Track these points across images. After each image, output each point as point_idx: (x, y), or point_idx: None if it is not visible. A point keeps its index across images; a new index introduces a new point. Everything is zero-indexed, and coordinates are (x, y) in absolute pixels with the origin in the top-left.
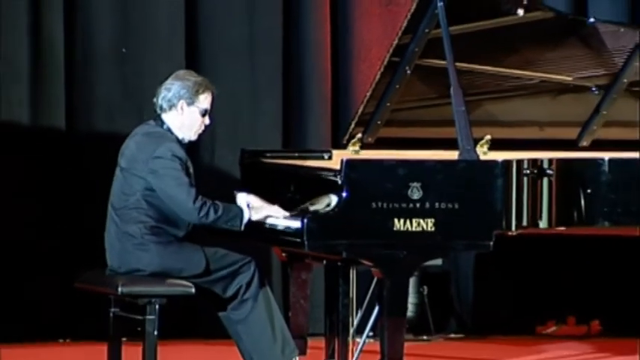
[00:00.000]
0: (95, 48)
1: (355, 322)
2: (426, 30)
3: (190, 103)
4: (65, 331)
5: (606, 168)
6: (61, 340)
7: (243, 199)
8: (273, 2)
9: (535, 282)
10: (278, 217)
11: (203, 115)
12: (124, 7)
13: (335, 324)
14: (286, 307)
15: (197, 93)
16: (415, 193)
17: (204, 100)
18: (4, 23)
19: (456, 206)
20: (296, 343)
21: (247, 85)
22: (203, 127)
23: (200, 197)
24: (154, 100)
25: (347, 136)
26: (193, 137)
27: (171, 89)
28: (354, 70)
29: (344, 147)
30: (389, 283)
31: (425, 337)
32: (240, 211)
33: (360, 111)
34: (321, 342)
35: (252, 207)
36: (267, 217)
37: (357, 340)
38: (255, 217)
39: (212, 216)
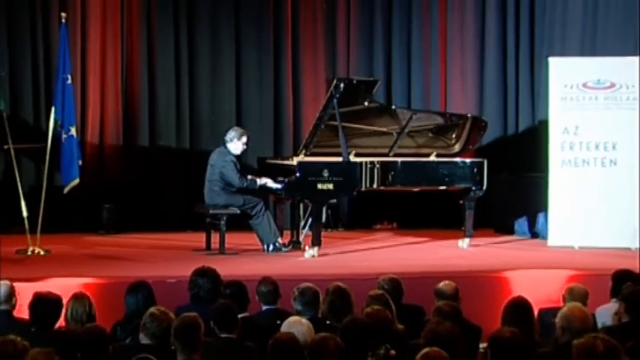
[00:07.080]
0: (201, 116)
1: (302, 224)
2: (330, 110)
3: (238, 140)
4: (189, 227)
5: (399, 165)
6: (188, 231)
7: (258, 179)
8: (267, 86)
9: (372, 207)
10: (272, 183)
11: (243, 145)
12: (212, 98)
13: (294, 225)
14: (275, 218)
15: (241, 136)
16: (326, 173)
17: (244, 139)
18: (163, 102)
19: (341, 179)
20: (280, 232)
21: (258, 129)
22: (242, 149)
23: (241, 176)
24: (224, 137)
25: (299, 151)
26: (239, 153)
27: (230, 133)
28: (302, 125)
29: (297, 155)
30: (315, 209)
31: (329, 230)
32: (255, 181)
33: (304, 141)
34: (288, 232)
35: (260, 179)
36: (266, 182)
37: (303, 231)
38: (261, 183)
39: (246, 184)
